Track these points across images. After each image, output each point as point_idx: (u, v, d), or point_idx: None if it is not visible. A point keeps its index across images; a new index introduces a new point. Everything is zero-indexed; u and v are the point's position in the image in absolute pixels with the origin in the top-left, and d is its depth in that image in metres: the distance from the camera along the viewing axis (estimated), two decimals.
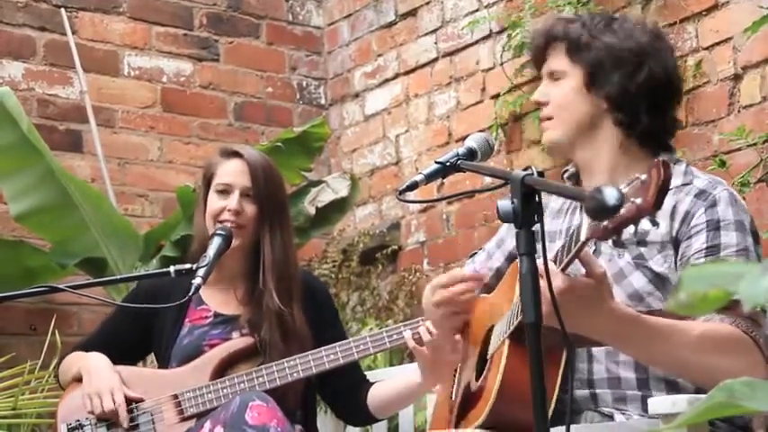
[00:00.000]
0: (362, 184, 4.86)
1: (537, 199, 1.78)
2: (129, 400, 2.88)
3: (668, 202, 1.63)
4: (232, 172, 2.95)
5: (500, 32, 4.41)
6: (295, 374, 2.82)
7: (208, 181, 2.99)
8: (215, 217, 2.93)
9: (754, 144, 3.41)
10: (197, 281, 2.70)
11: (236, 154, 2.98)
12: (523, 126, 4.31)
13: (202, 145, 4.87)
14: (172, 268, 2.59)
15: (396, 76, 4.93)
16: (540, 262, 1.77)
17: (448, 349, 2.40)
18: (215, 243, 2.84)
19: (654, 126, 2.29)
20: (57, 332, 3.80)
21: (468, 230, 4.52)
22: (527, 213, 1.77)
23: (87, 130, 4.55)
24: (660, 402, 2.07)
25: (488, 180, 4.06)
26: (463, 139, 2.53)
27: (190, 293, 2.70)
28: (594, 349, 2.23)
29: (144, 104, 4.80)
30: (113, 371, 2.91)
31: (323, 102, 5.27)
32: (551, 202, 2.46)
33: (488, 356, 2.28)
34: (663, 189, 1.58)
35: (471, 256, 2.65)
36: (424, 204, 4.63)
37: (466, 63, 4.60)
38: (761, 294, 0.84)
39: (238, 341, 2.92)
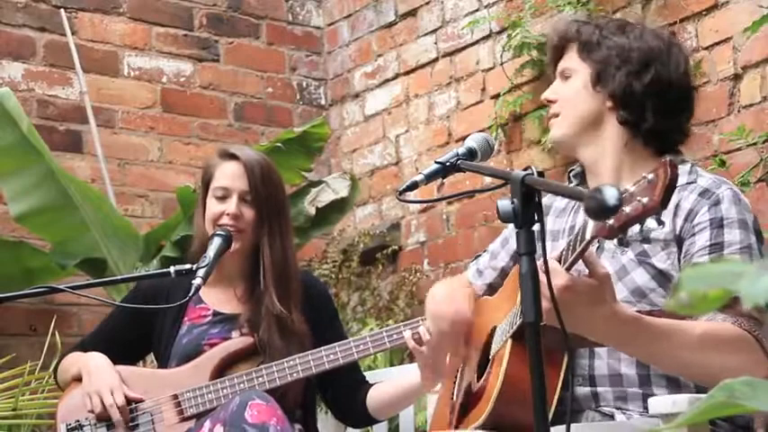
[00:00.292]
0: (362, 184, 4.86)
1: (537, 199, 1.78)
2: (128, 400, 2.88)
3: (672, 199, 1.63)
4: (230, 175, 2.95)
5: (500, 32, 4.41)
6: (295, 374, 2.82)
7: (206, 183, 3.00)
8: (214, 221, 2.93)
9: (754, 144, 3.41)
10: (197, 281, 2.71)
11: (234, 156, 2.98)
12: (523, 126, 4.31)
13: (202, 145, 4.87)
14: (172, 268, 2.60)
15: (396, 77, 4.93)
16: (540, 261, 1.77)
17: (447, 351, 2.41)
18: (215, 243, 2.84)
19: (660, 127, 2.29)
20: (57, 333, 3.80)
21: (468, 230, 4.52)
22: (527, 213, 1.77)
23: (87, 131, 4.55)
24: (661, 402, 2.07)
25: (488, 180, 4.06)
26: (463, 139, 2.53)
27: (190, 294, 2.71)
28: None
29: (144, 105, 4.80)
30: (114, 370, 2.91)
31: (323, 102, 5.27)
32: (556, 202, 2.46)
33: (490, 357, 2.28)
34: (669, 188, 1.58)
35: (475, 259, 2.65)
36: (424, 204, 4.63)
37: (466, 63, 4.60)
38: (761, 293, 0.84)
39: (238, 341, 2.92)
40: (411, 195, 2.15)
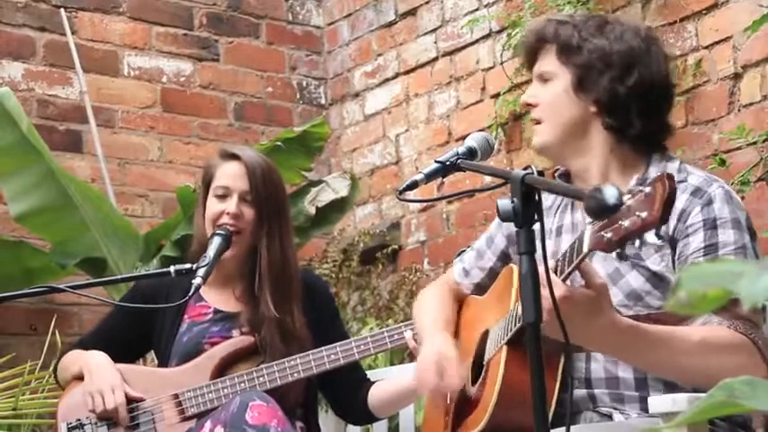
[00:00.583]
0: (362, 183, 4.86)
1: (537, 198, 1.78)
2: (129, 399, 2.88)
3: None
4: (231, 175, 2.95)
5: (500, 32, 4.41)
6: (295, 374, 2.82)
7: (207, 183, 3.00)
8: (214, 221, 2.93)
9: (754, 143, 3.41)
10: (197, 281, 2.71)
11: (236, 156, 2.98)
12: (523, 125, 4.31)
13: (202, 145, 4.87)
14: (172, 268, 2.60)
15: (396, 76, 4.93)
16: (541, 269, 1.76)
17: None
18: (215, 243, 2.84)
19: (645, 130, 2.27)
20: (57, 332, 3.80)
21: (468, 230, 4.51)
22: (527, 212, 1.77)
23: (87, 131, 4.55)
24: (660, 401, 2.06)
25: (488, 179, 4.06)
26: (463, 138, 2.54)
27: (190, 293, 2.71)
28: None
29: (144, 104, 4.80)
30: (115, 369, 2.91)
31: (323, 101, 5.27)
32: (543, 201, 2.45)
33: (484, 362, 2.27)
34: (668, 203, 1.57)
35: (459, 255, 2.63)
36: (425, 204, 4.63)
37: (466, 62, 4.60)
38: (760, 293, 0.84)
39: (239, 340, 2.92)
40: (411, 195, 2.15)
